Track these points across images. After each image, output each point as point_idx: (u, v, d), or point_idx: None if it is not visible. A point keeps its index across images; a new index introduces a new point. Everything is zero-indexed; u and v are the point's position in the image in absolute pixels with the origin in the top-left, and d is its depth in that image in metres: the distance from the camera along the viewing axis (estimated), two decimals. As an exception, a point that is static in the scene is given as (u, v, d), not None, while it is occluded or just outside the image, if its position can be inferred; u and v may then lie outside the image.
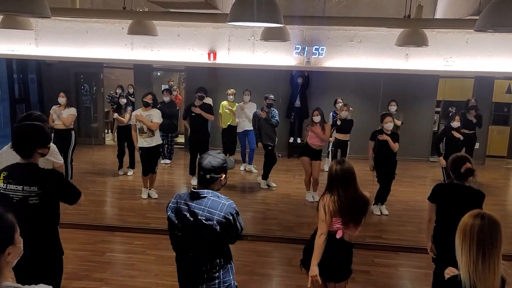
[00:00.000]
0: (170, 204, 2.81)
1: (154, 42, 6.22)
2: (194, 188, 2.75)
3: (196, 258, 2.74)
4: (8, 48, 6.54)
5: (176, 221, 2.73)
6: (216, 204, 2.67)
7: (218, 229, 2.65)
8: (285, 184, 8.10)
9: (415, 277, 5.10)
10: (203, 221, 2.64)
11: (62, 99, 7.01)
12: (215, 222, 2.64)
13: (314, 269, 3.37)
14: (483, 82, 9.65)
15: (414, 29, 5.09)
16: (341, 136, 7.49)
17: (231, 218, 2.68)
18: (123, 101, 8.09)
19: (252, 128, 8.07)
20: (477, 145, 7.61)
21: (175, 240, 2.81)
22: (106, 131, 11.06)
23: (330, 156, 7.89)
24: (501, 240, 2.07)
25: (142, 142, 6.73)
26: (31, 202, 2.94)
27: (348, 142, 7.63)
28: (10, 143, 3.17)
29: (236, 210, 2.73)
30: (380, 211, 6.73)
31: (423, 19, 5.38)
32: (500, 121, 10.55)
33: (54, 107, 7.09)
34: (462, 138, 6.92)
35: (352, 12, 6.34)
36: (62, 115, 6.94)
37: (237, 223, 2.74)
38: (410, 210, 6.99)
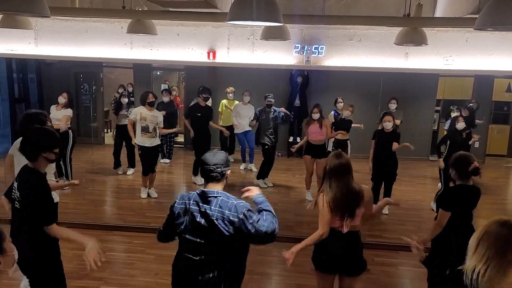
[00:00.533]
0: (175, 205, 2.73)
1: (154, 41, 6.21)
2: (202, 189, 2.69)
3: (205, 261, 2.64)
4: (7, 47, 6.53)
5: (186, 223, 2.66)
6: (226, 204, 2.61)
7: (230, 230, 2.57)
8: (285, 183, 8.10)
9: (415, 276, 5.10)
10: (214, 221, 2.58)
11: (62, 99, 6.98)
12: (226, 222, 2.57)
13: (294, 250, 3.27)
14: (483, 81, 9.65)
15: (413, 27, 5.08)
16: (339, 136, 7.50)
17: (242, 217, 2.57)
18: (125, 100, 8.12)
19: (250, 128, 8.08)
20: (476, 144, 7.60)
21: (183, 242, 2.71)
22: (105, 130, 11.07)
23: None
24: None
25: (145, 141, 6.73)
26: (16, 205, 2.99)
27: (348, 142, 7.63)
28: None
29: (247, 208, 2.62)
30: (380, 210, 6.72)
31: (423, 18, 5.37)
32: (500, 120, 10.56)
33: (52, 106, 7.08)
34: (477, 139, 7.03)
35: (352, 11, 6.34)
36: (57, 116, 6.88)
37: (249, 223, 2.58)
38: (410, 209, 6.99)
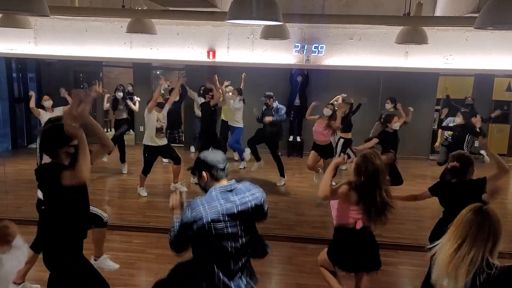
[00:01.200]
0: (204, 217, 2.56)
1: (153, 41, 6.21)
2: (224, 185, 2.71)
3: (245, 241, 2.79)
4: (7, 47, 6.53)
5: (226, 225, 2.65)
6: (248, 187, 2.80)
7: (265, 208, 2.88)
8: (285, 182, 8.08)
9: (415, 275, 5.09)
10: (254, 204, 2.76)
11: (49, 102, 6.85)
12: (262, 200, 2.83)
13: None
14: (483, 80, 9.65)
15: (413, 27, 5.08)
16: (344, 135, 7.55)
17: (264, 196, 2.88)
18: (120, 94, 8.18)
19: (238, 125, 8.31)
20: (477, 143, 7.60)
21: (223, 249, 2.69)
22: (105, 129, 11.08)
23: (336, 155, 7.80)
24: (493, 236, 2.08)
25: (160, 141, 6.76)
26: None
27: (351, 141, 7.65)
28: None
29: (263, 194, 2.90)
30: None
31: (423, 17, 5.37)
32: (500, 119, 10.55)
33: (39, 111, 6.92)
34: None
35: (352, 10, 6.33)
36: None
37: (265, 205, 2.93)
38: (409, 208, 6.97)
